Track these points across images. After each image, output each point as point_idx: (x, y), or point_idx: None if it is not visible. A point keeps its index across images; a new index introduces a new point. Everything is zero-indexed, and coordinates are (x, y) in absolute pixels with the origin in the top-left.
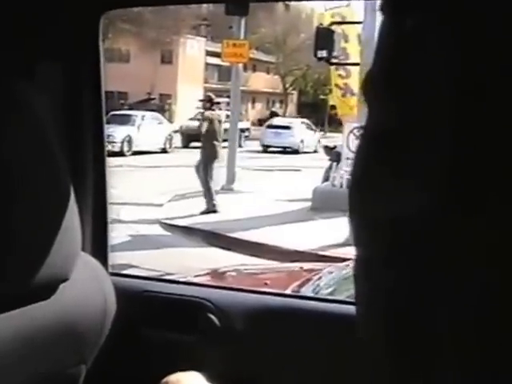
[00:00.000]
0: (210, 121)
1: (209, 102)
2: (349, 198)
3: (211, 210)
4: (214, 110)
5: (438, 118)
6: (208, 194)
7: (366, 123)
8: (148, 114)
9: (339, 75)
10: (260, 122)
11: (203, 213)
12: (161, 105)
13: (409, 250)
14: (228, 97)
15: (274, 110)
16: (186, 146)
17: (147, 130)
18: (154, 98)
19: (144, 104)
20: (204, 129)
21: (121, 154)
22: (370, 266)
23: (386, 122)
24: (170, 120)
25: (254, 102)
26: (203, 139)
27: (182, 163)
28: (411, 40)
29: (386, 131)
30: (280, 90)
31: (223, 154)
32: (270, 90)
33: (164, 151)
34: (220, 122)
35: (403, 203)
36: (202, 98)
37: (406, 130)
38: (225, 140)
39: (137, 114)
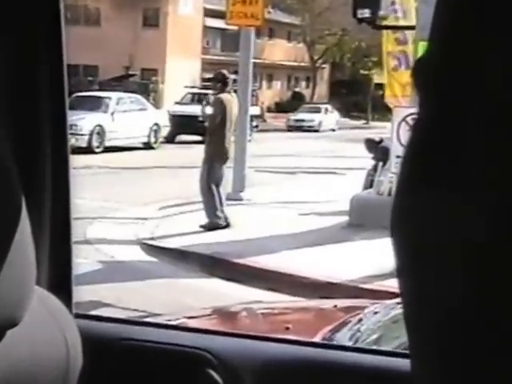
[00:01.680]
0: (222, 107)
1: (221, 82)
2: (391, 212)
3: (215, 226)
4: (229, 91)
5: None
6: (210, 204)
7: (417, 118)
8: (126, 96)
9: (395, 40)
10: (278, 107)
11: (204, 229)
12: (144, 83)
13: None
14: (235, 73)
15: (297, 90)
16: (171, 139)
17: (125, 118)
18: (133, 75)
19: (120, 82)
20: (212, 118)
21: (89, 150)
22: (420, 302)
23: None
24: (156, 104)
25: (270, 79)
26: (209, 132)
27: (172, 163)
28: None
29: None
30: (306, 62)
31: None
32: (293, 64)
33: (148, 147)
34: (233, 106)
35: (465, 224)
36: (198, 73)
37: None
38: None
39: (110, 96)
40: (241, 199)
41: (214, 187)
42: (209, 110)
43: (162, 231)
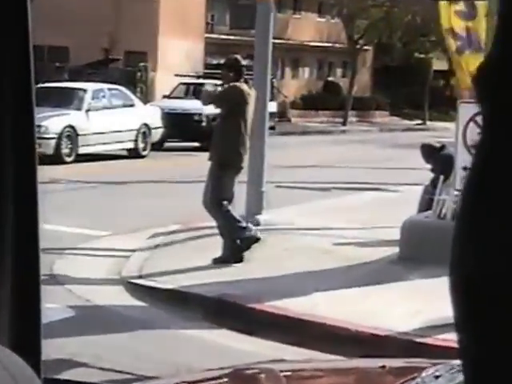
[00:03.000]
0: (237, 100)
1: (233, 70)
2: (452, 247)
3: (230, 258)
4: (245, 81)
5: None
6: (227, 228)
7: (481, 141)
8: (106, 87)
9: (456, 12)
10: (306, 102)
11: (216, 262)
12: (129, 71)
13: None
14: (248, 57)
15: (331, 79)
16: (158, 146)
17: (104, 116)
18: (115, 60)
19: (98, 70)
20: (224, 114)
21: (57, 159)
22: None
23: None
24: (145, 99)
25: (295, 65)
26: (219, 133)
27: (167, 176)
28: None
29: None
30: (343, 43)
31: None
32: (325, 45)
33: (135, 154)
34: (250, 101)
35: None
36: (200, 57)
37: None
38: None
39: (85, 87)
40: (257, 224)
41: (225, 203)
42: (216, 104)
43: (154, 267)
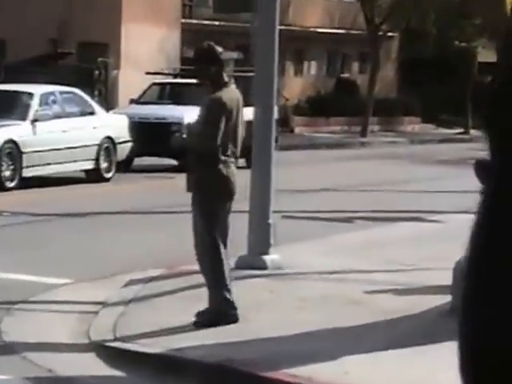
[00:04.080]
0: (219, 111)
1: (210, 60)
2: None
3: (222, 317)
4: (225, 82)
5: None
6: (214, 276)
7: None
8: (57, 90)
9: None
10: (314, 106)
11: (201, 324)
12: (84, 68)
13: None
14: (239, 48)
15: (345, 76)
16: (126, 166)
17: (56, 128)
18: (67, 54)
19: (44, 67)
20: (204, 131)
21: None
22: None
23: None
24: (106, 103)
25: (299, 58)
26: (199, 152)
27: (140, 205)
28: None
29: None
30: (360, 29)
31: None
32: (338, 31)
33: (97, 177)
34: (239, 111)
35: None
36: (176, 50)
37: None
38: None
39: (31, 91)
40: (264, 267)
41: (220, 245)
42: (195, 117)
43: (132, 324)
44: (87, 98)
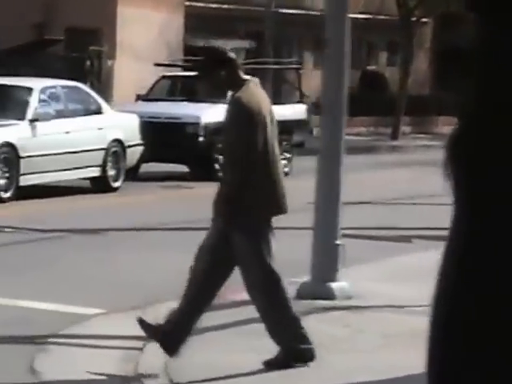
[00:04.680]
0: (249, 116)
1: (218, 63)
2: None
3: (297, 356)
4: (243, 80)
5: None
6: (274, 312)
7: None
8: (58, 84)
9: None
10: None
11: (273, 366)
12: (74, 58)
13: None
14: (251, 36)
15: (372, 68)
16: (134, 172)
17: (57, 129)
18: (55, 41)
19: (28, 57)
20: (237, 138)
21: None
22: None
23: None
24: (104, 97)
25: (319, 48)
26: (233, 159)
27: (158, 220)
28: None
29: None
30: (390, 15)
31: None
32: (364, 17)
33: (104, 186)
34: (272, 119)
35: None
36: (179, 37)
37: None
38: None
39: (30, 85)
40: (331, 296)
41: (280, 277)
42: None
43: (186, 366)
44: (93, 93)
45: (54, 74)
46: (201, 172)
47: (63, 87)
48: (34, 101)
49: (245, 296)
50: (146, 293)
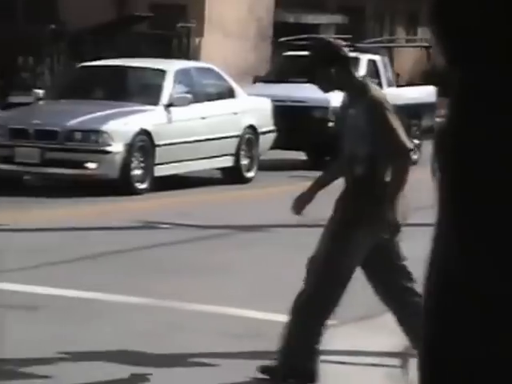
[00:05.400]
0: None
1: (334, 63)
2: None
3: None
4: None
5: None
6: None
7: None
8: (192, 67)
9: None
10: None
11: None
12: (160, 36)
13: None
14: (349, 12)
15: None
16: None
17: (193, 115)
18: (143, 18)
19: (111, 35)
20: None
21: (125, 187)
22: None
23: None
24: None
25: (413, 23)
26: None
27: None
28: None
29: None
30: None
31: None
32: None
33: (236, 177)
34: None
35: None
36: (270, 10)
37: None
38: None
39: (163, 67)
40: None
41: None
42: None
43: None
44: (226, 77)
45: (137, 54)
46: (320, 161)
47: (196, 69)
48: (168, 84)
49: None
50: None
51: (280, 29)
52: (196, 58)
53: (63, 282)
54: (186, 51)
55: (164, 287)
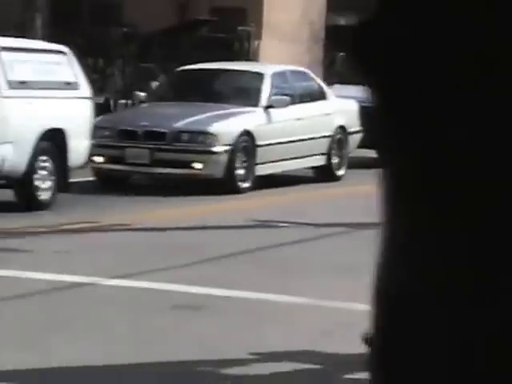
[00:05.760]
0: None
1: None
2: None
3: None
4: None
5: None
6: None
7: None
8: (287, 70)
9: None
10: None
11: None
12: (221, 40)
13: None
14: None
15: None
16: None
17: (289, 115)
18: (207, 21)
19: (176, 37)
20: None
21: (229, 186)
22: None
23: None
24: None
25: None
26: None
27: None
28: None
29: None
30: None
31: None
32: None
33: (327, 175)
34: None
35: None
36: (322, 10)
37: None
38: None
39: (260, 70)
40: None
41: None
42: None
43: None
44: (318, 79)
45: (200, 56)
46: None
47: (291, 72)
48: (266, 87)
49: None
50: None
51: (331, 31)
52: (255, 60)
53: (217, 281)
54: (246, 54)
55: (317, 287)
